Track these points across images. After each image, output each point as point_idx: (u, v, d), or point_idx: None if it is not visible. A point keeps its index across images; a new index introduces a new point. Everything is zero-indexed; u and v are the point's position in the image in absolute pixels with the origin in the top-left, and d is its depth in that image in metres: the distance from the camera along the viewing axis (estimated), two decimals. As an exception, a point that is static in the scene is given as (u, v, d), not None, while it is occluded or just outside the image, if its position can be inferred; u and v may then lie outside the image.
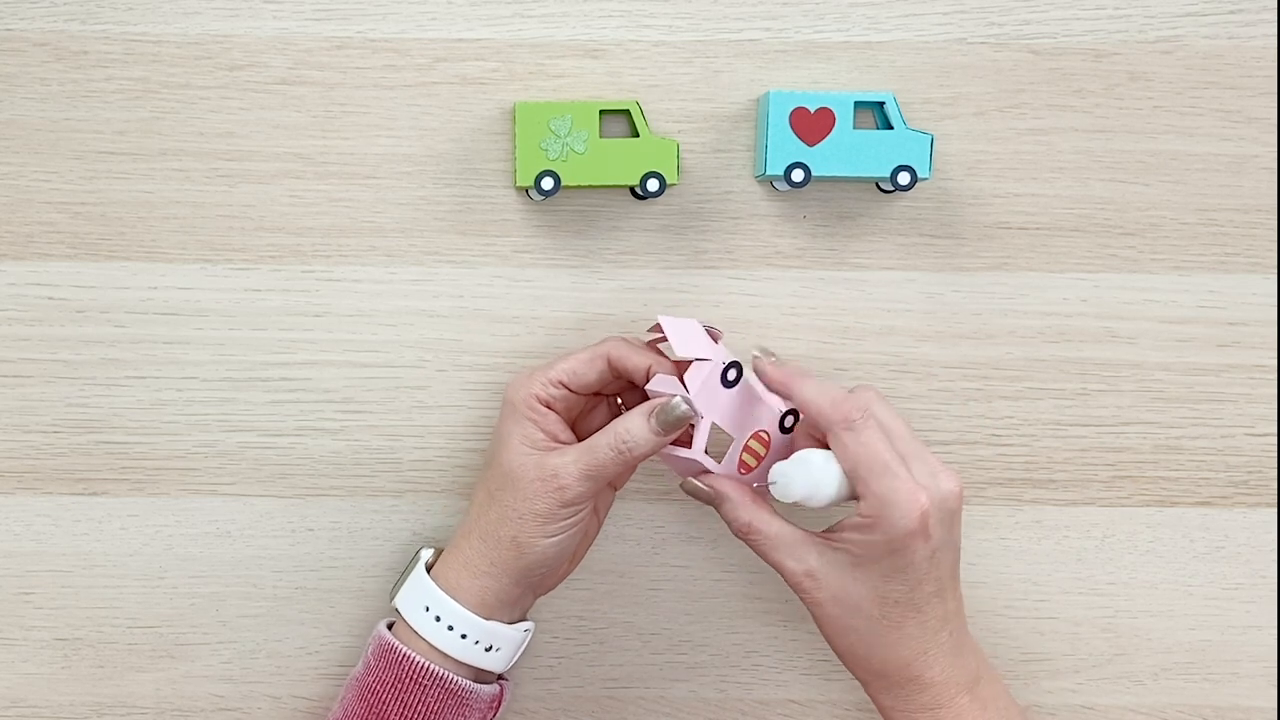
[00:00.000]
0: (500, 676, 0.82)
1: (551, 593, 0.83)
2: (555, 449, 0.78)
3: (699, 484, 0.79)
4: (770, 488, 0.77)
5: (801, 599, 0.77)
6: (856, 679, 0.79)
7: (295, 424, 0.86)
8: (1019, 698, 0.89)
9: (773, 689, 0.90)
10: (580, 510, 0.78)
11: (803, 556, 0.76)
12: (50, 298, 0.85)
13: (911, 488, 0.73)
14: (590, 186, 0.83)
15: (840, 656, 0.79)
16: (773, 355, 0.78)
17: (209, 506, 0.87)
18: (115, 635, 0.87)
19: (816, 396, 0.76)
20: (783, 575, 0.77)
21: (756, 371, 0.78)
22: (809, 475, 0.75)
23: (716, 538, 0.88)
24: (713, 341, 0.79)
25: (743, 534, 0.78)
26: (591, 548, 0.85)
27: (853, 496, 0.75)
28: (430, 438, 0.87)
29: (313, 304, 0.86)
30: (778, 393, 0.78)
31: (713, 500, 0.79)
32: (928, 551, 0.74)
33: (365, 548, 0.87)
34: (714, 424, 0.78)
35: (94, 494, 0.86)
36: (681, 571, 0.89)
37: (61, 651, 0.88)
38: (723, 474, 0.79)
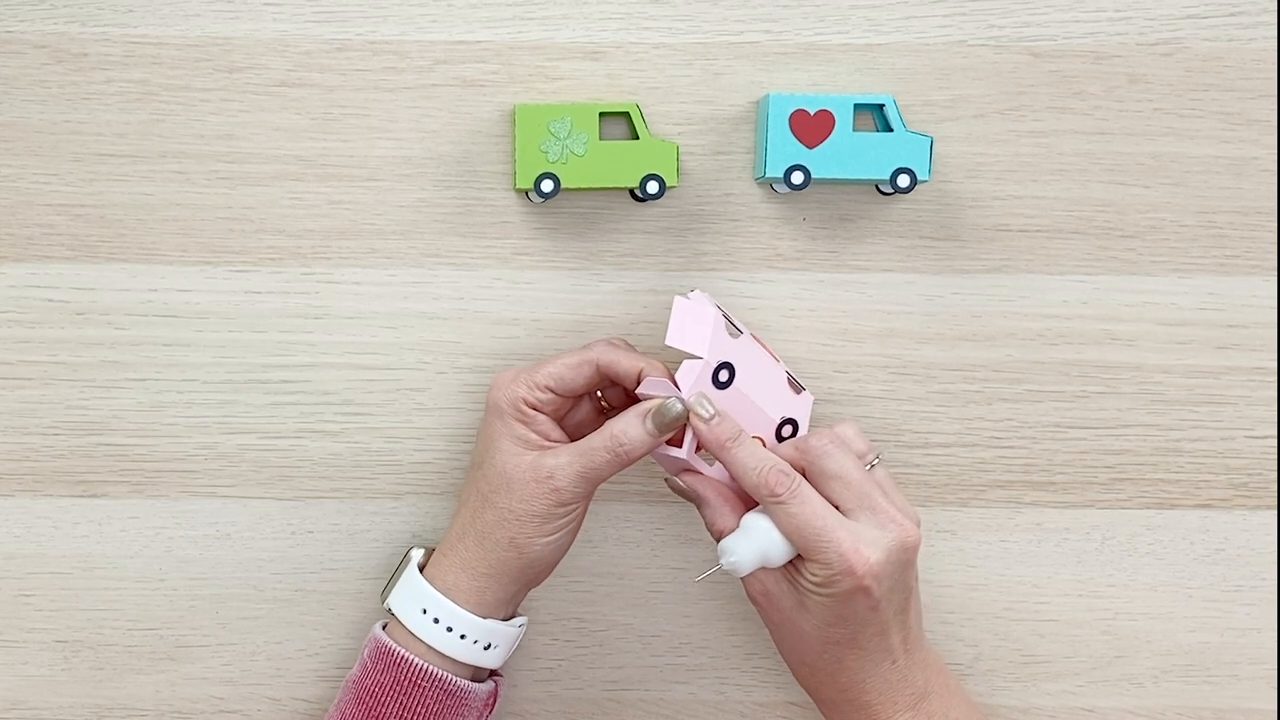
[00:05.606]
0: (494, 673, 0.82)
1: (552, 595, 0.83)
2: (548, 449, 0.78)
3: (681, 483, 0.79)
4: (722, 562, 0.76)
5: (757, 611, 0.78)
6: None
7: (295, 426, 0.86)
8: (1019, 700, 0.89)
9: (772, 691, 0.90)
10: (576, 509, 0.78)
11: (762, 576, 0.76)
12: (50, 300, 0.85)
13: (850, 551, 0.73)
14: (590, 189, 0.83)
15: (788, 667, 0.80)
16: (711, 407, 0.76)
17: (209, 508, 0.87)
18: (115, 637, 0.87)
19: (744, 471, 0.76)
20: (744, 586, 0.78)
21: (692, 428, 0.77)
22: (756, 544, 0.75)
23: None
24: (729, 338, 0.78)
25: (715, 539, 0.78)
26: (592, 549, 0.85)
27: None
28: (430, 440, 0.87)
29: (313, 306, 0.85)
30: (712, 454, 0.78)
31: (694, 500, 0.79)
32: (870, 604, 0.74)
33: (365, 550, 0.87)
34: None
35: (94, 496, 0.86)
36: (681, 573, 0.89)
37: (61, 654, 0.88)
38: (710, 476, 0.79)
